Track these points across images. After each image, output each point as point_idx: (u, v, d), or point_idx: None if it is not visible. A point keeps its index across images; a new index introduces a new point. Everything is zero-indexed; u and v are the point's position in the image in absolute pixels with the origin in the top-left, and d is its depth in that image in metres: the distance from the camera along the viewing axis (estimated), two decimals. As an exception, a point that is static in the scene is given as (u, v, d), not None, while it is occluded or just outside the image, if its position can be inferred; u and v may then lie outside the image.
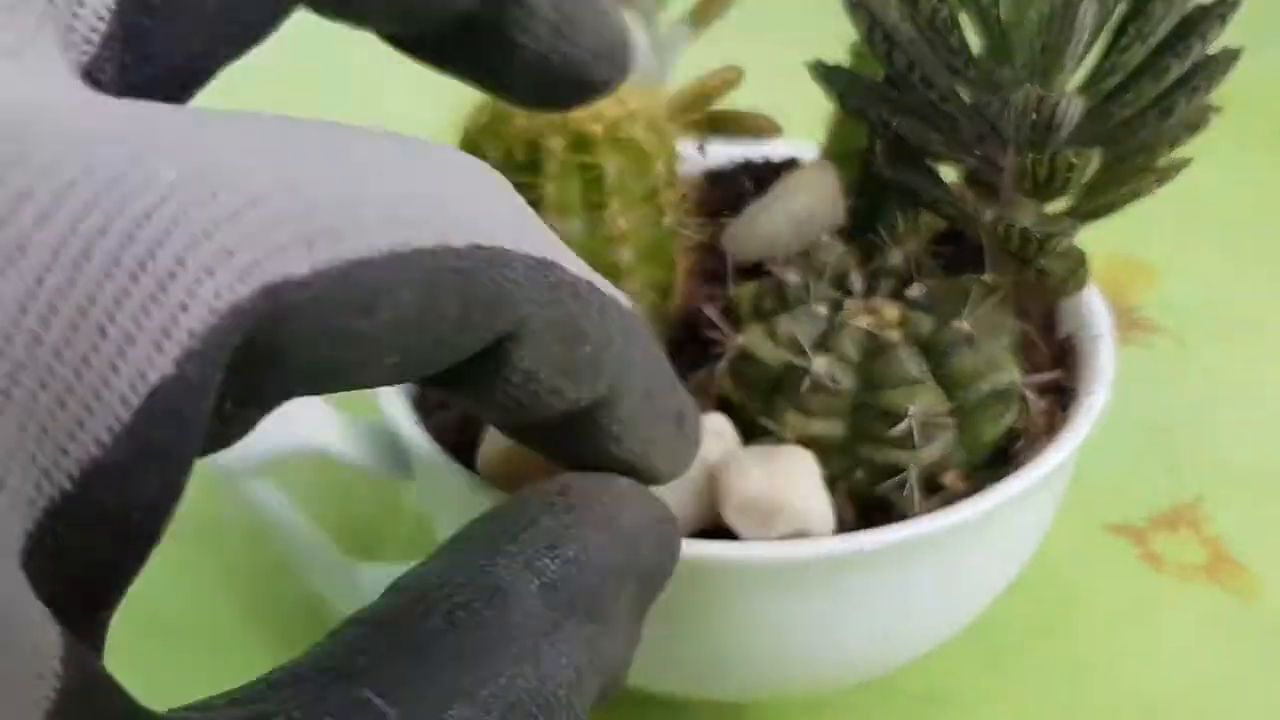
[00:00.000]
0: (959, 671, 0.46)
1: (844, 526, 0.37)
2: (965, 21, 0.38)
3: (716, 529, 0.37)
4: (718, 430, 0.38)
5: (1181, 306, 0.64)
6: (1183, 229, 0.70)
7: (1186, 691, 0.46)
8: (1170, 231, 0.69)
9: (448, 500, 0.40)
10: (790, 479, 0.36)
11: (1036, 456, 0.38)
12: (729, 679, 0.41)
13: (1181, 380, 0.60)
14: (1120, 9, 0.36)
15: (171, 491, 0.17)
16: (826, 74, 0.41)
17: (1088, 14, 0.34)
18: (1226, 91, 0.39)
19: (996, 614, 0.45)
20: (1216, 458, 0.55)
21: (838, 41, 0.44)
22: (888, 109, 0.40)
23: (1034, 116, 0.35)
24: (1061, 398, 0.41)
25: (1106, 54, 0.37)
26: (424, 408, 0.41)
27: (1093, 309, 0.44)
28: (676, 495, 0.36)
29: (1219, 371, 0.60)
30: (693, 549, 0.35)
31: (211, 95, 0.23)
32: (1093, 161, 0.36)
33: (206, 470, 0.41)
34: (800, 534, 0.35)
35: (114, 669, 0.55)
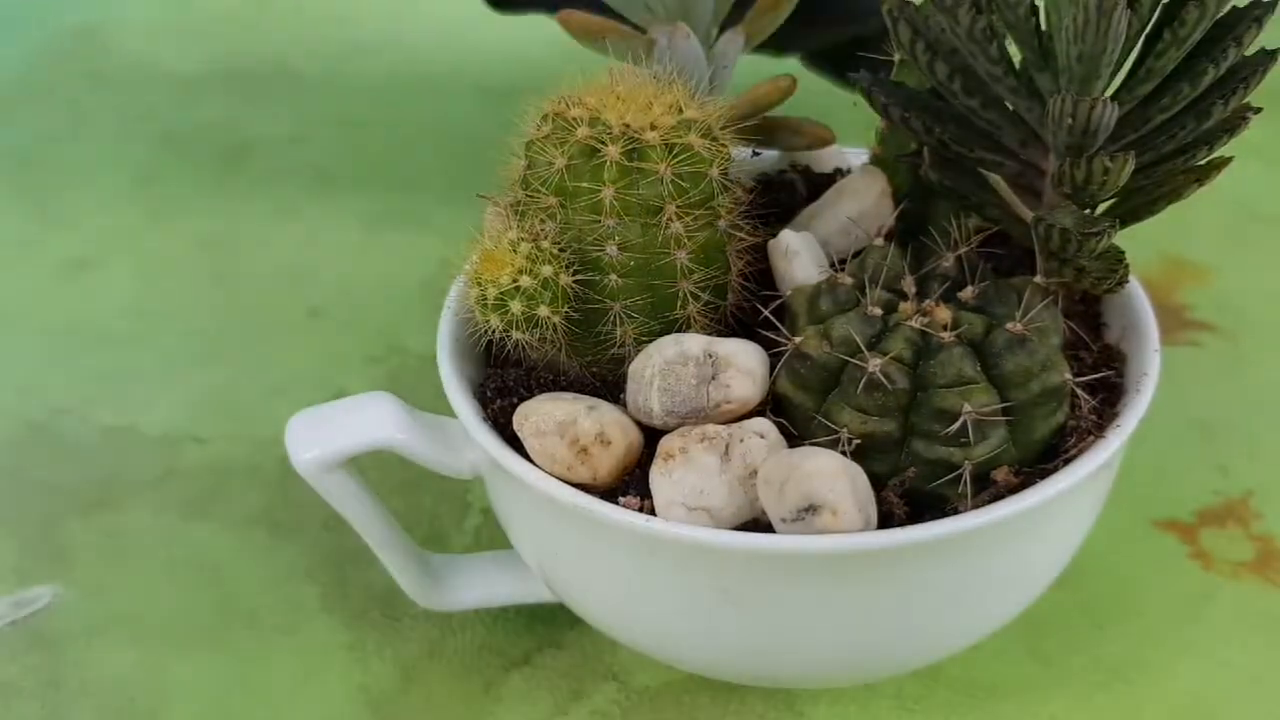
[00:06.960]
0: (1007, 663, 0.47)
1: (895, 521, 0.38)
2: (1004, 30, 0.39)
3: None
4: (762, 432, 0.39)
5: (1233, 306, 0.64)
6: (1235, 229, 0.69)
7: (1235, 687, 0.46)
8: (1223, 231, 0.69)
9: (509, 490, 0.42)
10: (806, 457, 0.37)
11: (1085, 453, 0.39)
12: (782, 666, 0.43)
13: (1232, 378, 0.60)
14: (1155, 15, 0.37)
15: None
16: (868, 87, 0.41)
17: (1122, 22, 0.34)
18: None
19: (1045, 607, 0.46)
20: (1266, 455, 0.55)
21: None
22: (930, 117, 0.41)
23: (1070, 122, 0.35)
24: (1110, 395, 0.42)
25: (1142, 59, 0.38)
26: (483, 399, 0.43)
27: (1140, 308, 0.44)
28: (728, 487, 0.38)
29: (1269, 370, 0.60)
30: (749, 541, 0.37)
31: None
32: (1128, 164, 0.36)
33: (289, 467, 0.42)
34: (811, 506, 0.36)
35: (202, 651, 0.58)
